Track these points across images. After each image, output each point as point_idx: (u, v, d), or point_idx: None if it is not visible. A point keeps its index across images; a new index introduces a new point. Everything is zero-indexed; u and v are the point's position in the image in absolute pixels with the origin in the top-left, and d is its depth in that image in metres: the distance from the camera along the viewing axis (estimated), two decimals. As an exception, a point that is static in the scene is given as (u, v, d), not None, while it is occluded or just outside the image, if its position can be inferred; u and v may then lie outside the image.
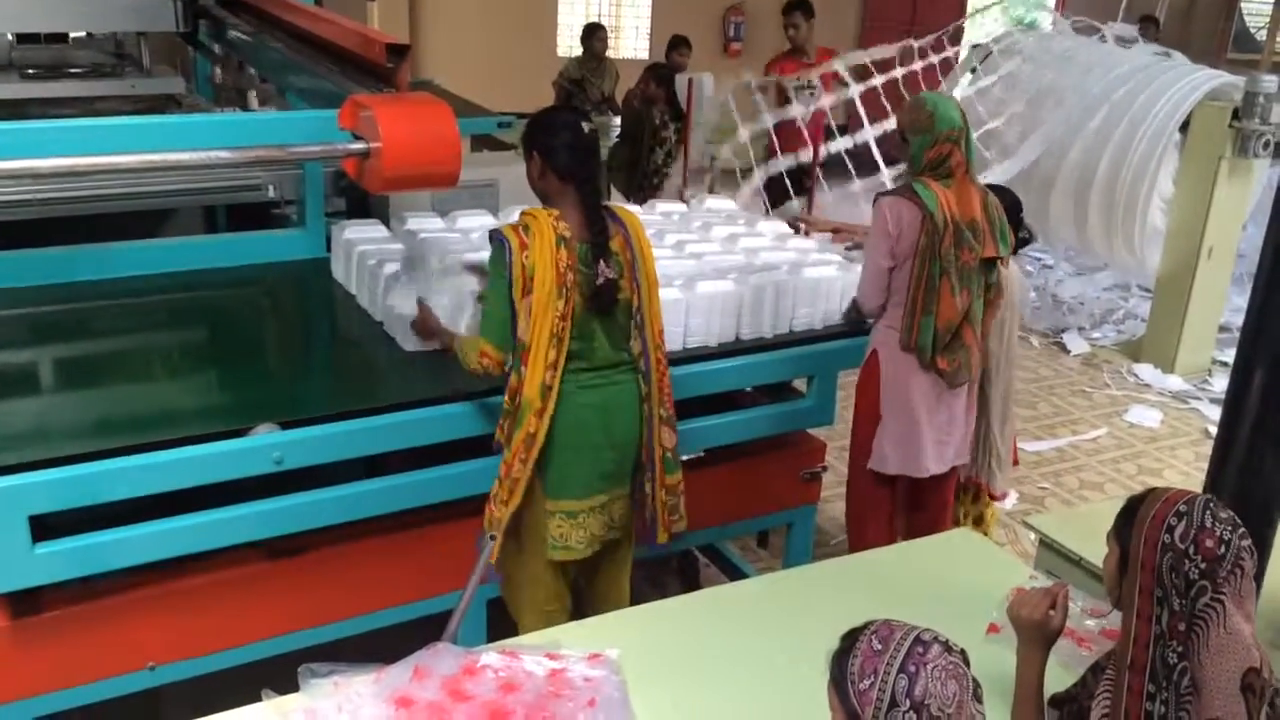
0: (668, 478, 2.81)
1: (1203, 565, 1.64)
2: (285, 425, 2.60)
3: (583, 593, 2.99)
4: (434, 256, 3.13)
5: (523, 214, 2.66)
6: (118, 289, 3.44)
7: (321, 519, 2.71)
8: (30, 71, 4.63)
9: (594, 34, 7.97)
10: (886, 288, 3.23)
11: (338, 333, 3.54)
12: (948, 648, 1.49)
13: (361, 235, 3.49)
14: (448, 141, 2.51)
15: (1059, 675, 2.05)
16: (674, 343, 3.12)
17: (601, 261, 2.62)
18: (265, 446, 2.55)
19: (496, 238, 2.61)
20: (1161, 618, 1.67)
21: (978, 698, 1.48)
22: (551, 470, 2.69)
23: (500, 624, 2.90)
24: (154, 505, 2.51)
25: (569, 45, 10.22)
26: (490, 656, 2.11)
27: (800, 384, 3.57)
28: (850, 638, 1.53)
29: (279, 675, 2.13)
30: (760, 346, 3.35)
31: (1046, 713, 1.92)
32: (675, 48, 7.53)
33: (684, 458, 2.88)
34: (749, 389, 3.59)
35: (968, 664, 1.49)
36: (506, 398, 2.69)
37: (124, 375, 3.02)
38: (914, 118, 3.17)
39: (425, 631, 2.32)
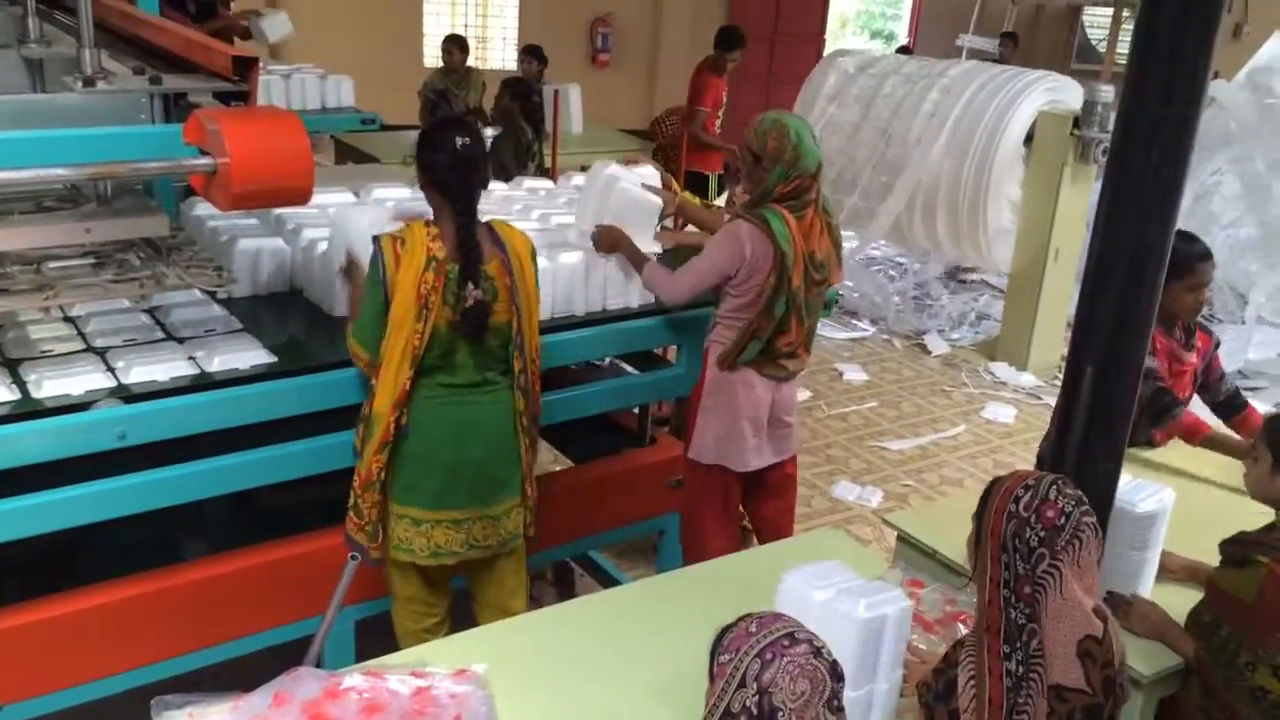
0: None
1: (1042, 533, 1.75)
2: (128, 400, 2.52)
3: (475, 618, 2.94)
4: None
5: (404, 226, 2.65)
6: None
7: (165, 498, 2.62)
8: None
9: (451, 45, 7.91)
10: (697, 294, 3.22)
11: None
12: (817, 652, 1.50)
13: (213, 210, 3.27)
14: (299, 155, 2.46)
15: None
16: (540, 313, 3.06)
17: (470, 283, 2.60)
18: (106, 421, 2.46)
19: (376, 243, 2.62)
20: (1010, 581, 1.78)
21: (832, 709, 1.49)
22: (399, 476, 2.68)
23: (371, 645, 2.86)
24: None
25: (435, 56, 10.13)
26: (354, 678, 2.07)
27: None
28: (744, 617, 1.57)
29: (133, 710, 2.06)
30: (626, 315, 3.39)
31: (920, 690, 1.95)
32: (523, 60, 7.66)
33: (556, 468, 2.89)
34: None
35: (837, 678, 1.50)
36: (365, 404, 2.67)
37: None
38: (775, 148, 3.07)
39: (291, 657, 2.27)
